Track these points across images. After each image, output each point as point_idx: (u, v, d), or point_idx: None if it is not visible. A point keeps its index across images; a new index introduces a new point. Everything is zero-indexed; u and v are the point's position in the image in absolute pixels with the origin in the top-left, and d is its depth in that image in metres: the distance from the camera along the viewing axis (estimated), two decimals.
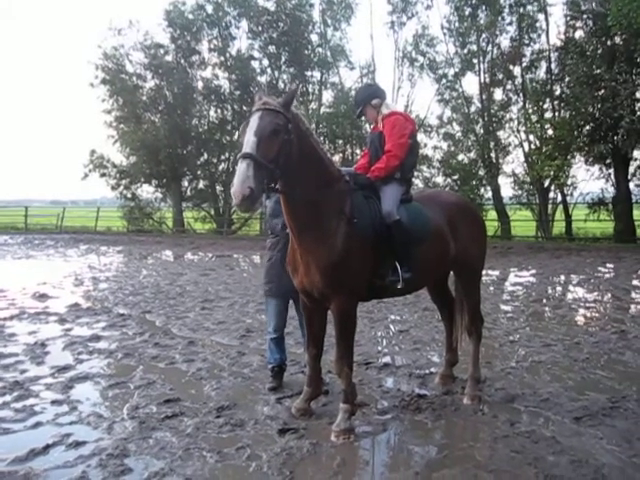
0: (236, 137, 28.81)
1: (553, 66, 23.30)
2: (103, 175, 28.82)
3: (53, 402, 4.71)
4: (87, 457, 3.70)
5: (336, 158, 27.04)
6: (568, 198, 24.24)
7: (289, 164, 3.64)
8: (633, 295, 10.30)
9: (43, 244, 21.77)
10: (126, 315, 8.33)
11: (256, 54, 28.55)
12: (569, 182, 23.37)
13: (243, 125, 3.66)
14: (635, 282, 11.89)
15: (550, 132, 22.16)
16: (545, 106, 23.51)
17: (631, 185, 22.30)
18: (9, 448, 3.82)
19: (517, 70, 24.38)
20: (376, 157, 4.47)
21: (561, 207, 24.41)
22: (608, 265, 14.78)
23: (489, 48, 24.75)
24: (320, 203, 3.92)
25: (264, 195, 3.60)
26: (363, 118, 4.83)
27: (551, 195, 24.48)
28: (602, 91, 20.11)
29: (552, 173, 21.11)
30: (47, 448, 3.83)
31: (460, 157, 26.00)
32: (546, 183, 23.27)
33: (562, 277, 12.98)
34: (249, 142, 3.45)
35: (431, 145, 27.60)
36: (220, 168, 30.32)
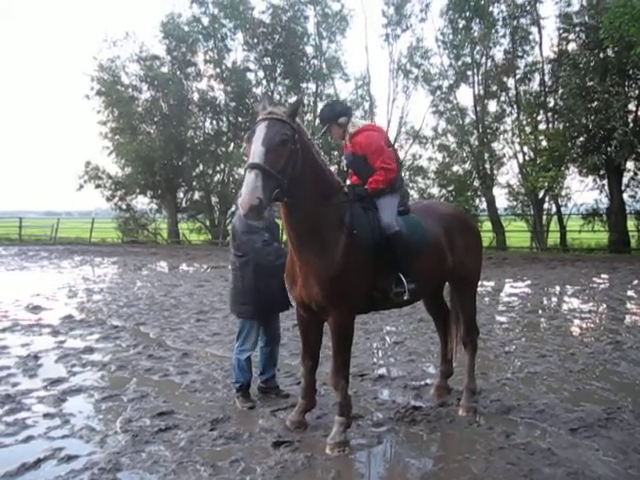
0: (231, 148, 28.90)
1: (546, 78, 23.50)
2: (98, 186, 28.75)
3: (45, 415, 4.67)
4: (79, 471, 3.66)
5: (331, 169, 27.06)
6: (562, 209, 24.32)
7: (295, 174, 3.60)
8: (628, 305, 10.33)
9: (37, 255, 21.67)
10: (120, 327, 8.28)
11: (252, 66, 28.69)
12: (563, 193, 23.48)
13: (249, 134, 3.58)
14: (630, 292, 11.92)
15: (544, 143, 22.29)
16: (539, 118, 23.66)
17: (625, 196, 22.44)
18: (0, 463, 3.77)
19: (511, 82, 24.57)
20: (366, 176, 4.39)
21: (555, 218, 24.46)
22: (603, 276, 14.81)
23: (483, 60, 24.92)
24: (321, 214, 3.90)
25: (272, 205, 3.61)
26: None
27: (545, 206, 24.55)
28: (595, 103, 20.29)
29: (546, 184, 21.21)
30: (38, 462, 3.79)
31: (455, 168, 26.10)
32: (540, 194, 23.36)
33: (557, 288, 12.99)
34: (257, 152, 3.39)
35: (426, 156, 27.75)
36: (215, 179, 30.33)
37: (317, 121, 28.17)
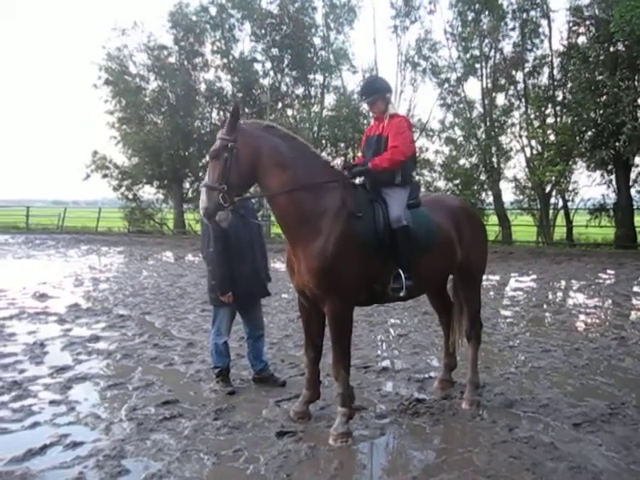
0: None
1: (555, 72, 23.34)
2: (105, 176, 28.91)
3: (51, 402, 4.71)
4: (84, 458, 3.70)
5: (338, 161, 27.04)
6: (569, 204, 24.23)
7: (237, 174, 3.84)
8: (634, 301, 10.28)
9: (44, 244, 21.77)
10: (126, 316, 8.33)
11: (259, 57, 28.63)
12: (570, 188, 23.40)
13: None
14: (635, 288, 11.86)
15: (552, 137, 22.17)
16: (547, 111, 23.52)
17: (632, 191, 22.29)
18: (6, 448, 3.82)
19: (519, 75, 24.45)
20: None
21: (562, 212, 24.38)
22: (609, 271, 14.76)
23: (492, 53, 24.79)
24: (312, 202, 3.94)
25: (227, 208, 3.86)
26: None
27: (552, 200, 24.47)
28: (604, 97, 20.12)
29: (553, 178, 21.12)
30: (44, 448, 3.83)
31: (462, 162, 26.00)
32: (547, 188, 23.28)
33: (562, 283, 12.96)
34: (207, 173, 3.94)
35: (433, 149, 27.66)
36: None
37: (324, 113, 28.16)
